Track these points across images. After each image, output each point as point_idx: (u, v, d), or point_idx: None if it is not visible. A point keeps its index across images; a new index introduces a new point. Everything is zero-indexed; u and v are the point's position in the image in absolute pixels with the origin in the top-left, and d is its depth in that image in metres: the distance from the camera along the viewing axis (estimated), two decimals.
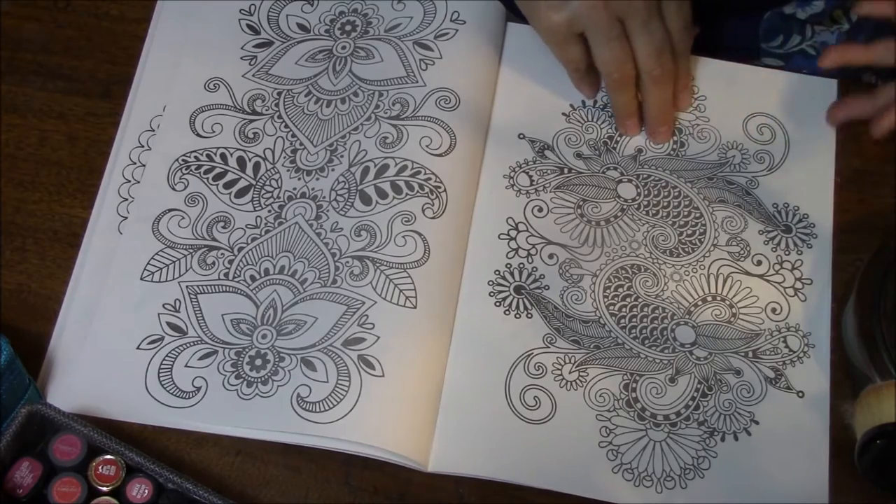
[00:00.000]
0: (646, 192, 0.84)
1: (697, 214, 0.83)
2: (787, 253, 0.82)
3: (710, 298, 0.80)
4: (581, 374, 0.78)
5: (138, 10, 0.93)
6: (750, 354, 0.78)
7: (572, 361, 0.78)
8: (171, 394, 0.77)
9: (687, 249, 0.82)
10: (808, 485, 0.74)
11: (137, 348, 0.79)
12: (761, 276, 0.81)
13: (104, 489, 0.72)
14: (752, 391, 0.77)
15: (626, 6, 0.79)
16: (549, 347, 0.79)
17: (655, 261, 0.82)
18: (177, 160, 0.85)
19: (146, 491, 0.72)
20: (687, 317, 0.80)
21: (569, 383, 0.78)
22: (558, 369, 0.78)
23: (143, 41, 0.91)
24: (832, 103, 0.86)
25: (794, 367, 0.78)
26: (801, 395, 0.77)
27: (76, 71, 0.91)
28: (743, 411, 0.77)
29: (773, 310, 0.80)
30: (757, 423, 0.76)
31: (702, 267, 0.82)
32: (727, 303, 0.80)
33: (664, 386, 0.78)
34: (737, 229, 0.83)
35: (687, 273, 0.81)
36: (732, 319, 0.79)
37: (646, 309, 0.80)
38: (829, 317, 0.80)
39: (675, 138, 0.87)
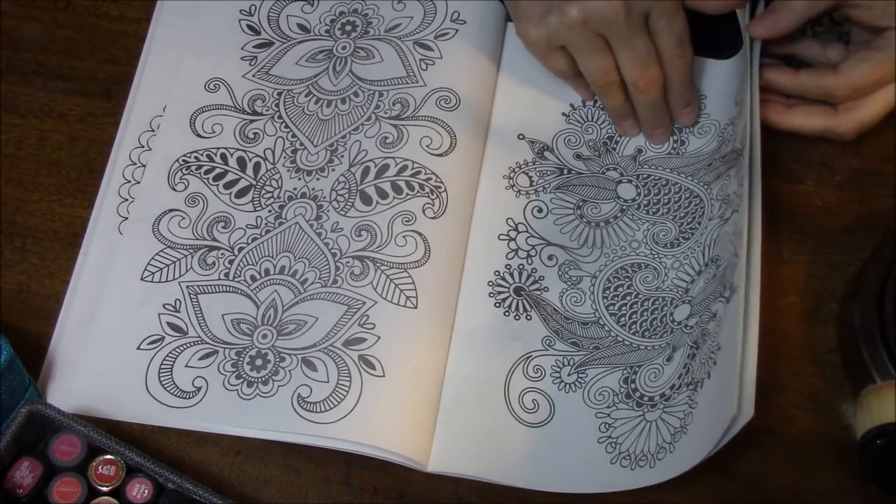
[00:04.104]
0: (646, 192, 0.84)
1: (697, 201, 0.83)
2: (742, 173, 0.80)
3: (703, 269, 0.80)
4: (580, 376, 0.78)
5: (138, 10, 0.93)
6: (722, 290, 0.76)
7: (571, 364, 0.78)
8: (172, 394, 0.77)
9: (686, 236, 0.82)
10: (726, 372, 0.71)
11: (138, 348, 0.79)
12: (734, 211, 0.79)
13: (104, 489, 0.72)
14: (720, 322, 0.74)
15: (606, 25, 0.79)
16: (547, 350, 0.79)
17: (656, 256, 0.82)
18: (177, 160, 0.85)
19: (146, 491, 0.72)
20: (685, 296, 0.80)
21: (567, 386, 0.78)
22: (556, 372, 0.78)
23: (143, 41, 0.91)
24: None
25: (736, 268, 0.74)
26: (735, 290, 0.73)
27: (76, 71, 0.91)
28: (713, 347, 0.74)
29: (734, 233, 0.78)
30: (720, 348, 0.73)
31: (699, 245, 0.81)
32: (715, 262, 0.79)
33: (662, 367, 0.77)
34: (726, 191, 0.81)
35: (686, 257, 0.81)
36: (717, 272, 0.78)
37: (646, 303, 0.80)
38: (748, 193, 0.77)
39: (675, 137, 0.86)
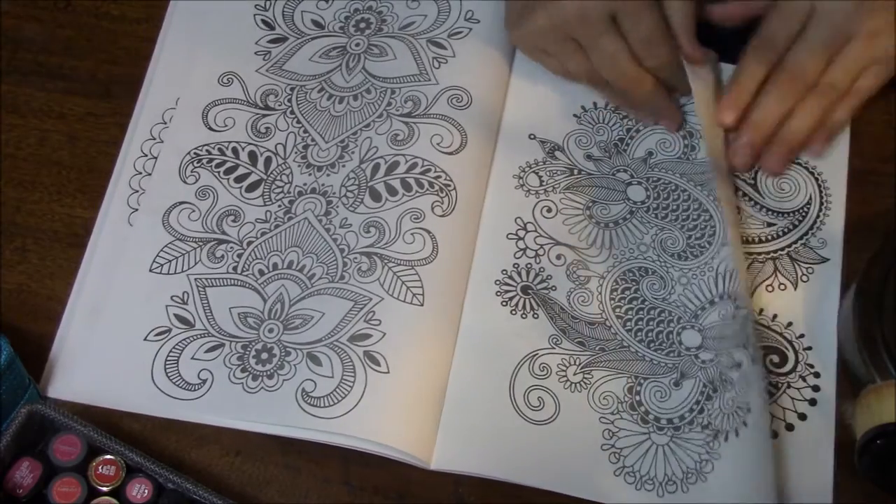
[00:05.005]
0: (655, 195, 0.84)
1: (707, 217, 0.83)
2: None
3: (716, 300, 0.80)
4: (585, 376, 0.78)
5: (139, 10, 0.93)
6: (745, 342, 0.76)
7: (577, 363, 0.78)
8: (177, 385, 0.77)
9: (695, 253, 0.82)
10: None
11: (145, 339, 0.79)
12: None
13: (104, 489, 0.73)
14: (748, 380, 0.75)
15: (571, 29, 0.81)
16: (554, 348, 0.79)
17: (663, 264, 0.82)
18: (189, 153, 0.86)
19: (146, 491, 0.73)
20: (693, 320, 0.79)
21: (573, 385, 0.78)
22: (563, 370, 0.78)
23: (144, 41, 0.91)
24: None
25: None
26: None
27: (76, 71, 0.91)
28: (741, 403, 0.74)
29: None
30: (750, 410, 0.74)
31: (710, 269, 0.81)
32: (732, 298, 0.79)
33: (668, 389, 0.77)
34: (741, 218, 0.82)
35: (695, 276, 0.81)
36: (736, 313, 0.78)
37: (652, 312, 0.80)
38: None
39: (686, 142, 0.86)
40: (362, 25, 0.91)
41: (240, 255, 0.82)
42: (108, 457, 0.73)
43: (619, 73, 0.82)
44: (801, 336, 0.79)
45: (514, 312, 0.80)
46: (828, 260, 0.81)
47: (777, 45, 0.81)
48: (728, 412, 0.75)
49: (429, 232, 0.80)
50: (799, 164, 0.85)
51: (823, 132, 0.84)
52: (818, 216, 0.83)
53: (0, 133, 0.88)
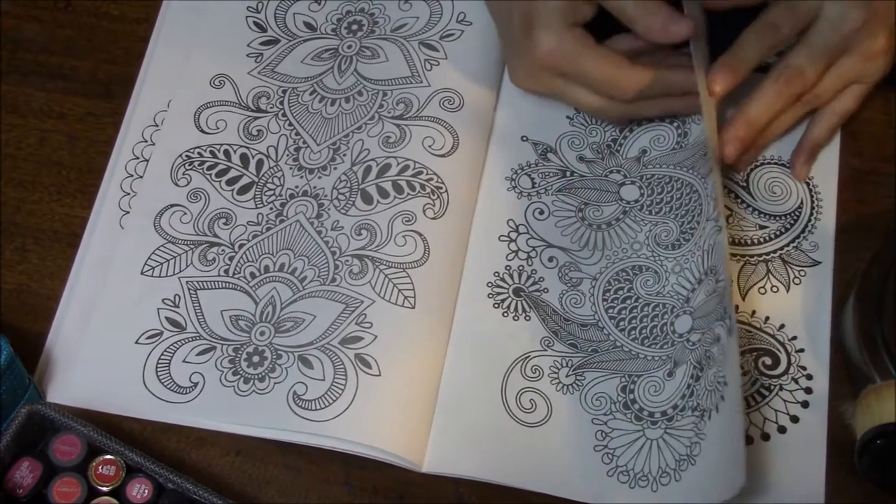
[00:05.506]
0: (649, 192, 0.84)
1: (696, 196, 0.82)
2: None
3: (703, 277, 0.79)
4: (578, 377, 0.78)
5: (139, 9, 0.93)
6: (722, 313, 0.74)
7: (569, 365, 0.78)
8: (169, 389, 0.77)
9: (687, 237, 0.81)
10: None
11: (136, 343, 0.79)
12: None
13: (104, 489, 0.73)
14: (725, 352, 0.73)
15: (544, 85, 0.81)
16: (546, 350, 0.79)
17: (657, 259, 0.81)
18: (180, 156, 0.85)
19: (146, 491, 0.73)
20: (685, 305, 0.79)
21: (565, 387, 0.77)
22: (555, 373, 0.78)
23: (144, 41, 0.91)
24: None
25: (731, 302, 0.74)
26: (733, 331, 0.72)
27: (76, 71, 0.91)
28: (719, 378, 0.73)
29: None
30: (726, 384, 0.72)
31: (698, 248, 0.80)
32: (714, 274, 0.78)
33: (662, 382, 0.77)
34: (713, 192, 0.80)
35: (687, 261, 0.81)
36: (717, 288, 0.77)
37: (646, 308, 0.80)
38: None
39: (680, 129, 0.86)
40: (354, 27, 0.90)
41: (231, 258, 0.82)
42: (108, 457, 0.73)
43: (601, 112, 0.82)
44: (794, 338, 0.79)
45: (506, 314, 0.80)
46: (819, 263, 0.81)
47: (778, 33, 0.79)
48: (711, 389, 0.73)
49: (420, 234, 0.80)
50: (789, 168, 0.85)
51: (805, 152, 0.84)
52: (809, 220, 0.83)
53: (0, 133, 0.88)
